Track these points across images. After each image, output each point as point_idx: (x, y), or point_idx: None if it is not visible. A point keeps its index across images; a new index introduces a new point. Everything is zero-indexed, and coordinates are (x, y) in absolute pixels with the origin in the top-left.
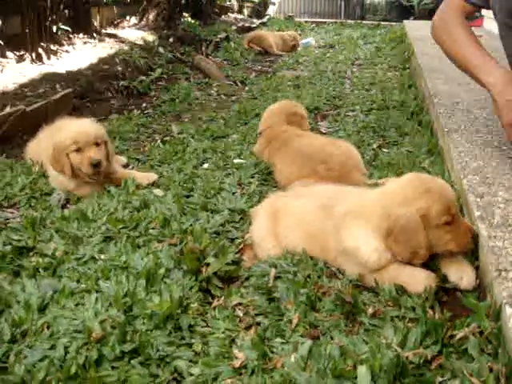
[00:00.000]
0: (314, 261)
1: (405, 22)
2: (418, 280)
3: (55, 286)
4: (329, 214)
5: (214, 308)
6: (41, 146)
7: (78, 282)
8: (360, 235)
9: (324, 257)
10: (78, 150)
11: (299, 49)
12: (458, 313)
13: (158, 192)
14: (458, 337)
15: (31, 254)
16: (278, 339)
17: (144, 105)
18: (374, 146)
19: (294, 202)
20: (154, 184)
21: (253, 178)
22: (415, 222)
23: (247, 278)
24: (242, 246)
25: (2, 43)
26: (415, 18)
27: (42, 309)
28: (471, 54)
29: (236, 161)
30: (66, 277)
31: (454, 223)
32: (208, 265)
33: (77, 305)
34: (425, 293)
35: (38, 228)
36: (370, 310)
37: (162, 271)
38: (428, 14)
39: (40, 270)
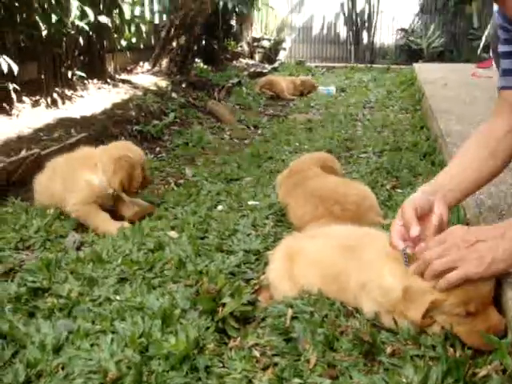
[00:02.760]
0: (331, 301)
1: (414, 64)
2: None
3: (70, 327)
4: (350, 254)
5: (231, 348)
6: (58, 174)
7: (93, 322)
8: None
9: (341, 297)
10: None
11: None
12: (480, 350)
13: (173, 234)
14: (480, 375)
15: (46, 295)
16: (296, 379)
17: (158, 149)
18: (388, 186)
19: (311, 242)
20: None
21: (267, 219)
22: None
23: (263, 319)
24: (257, 287)
25: (19, 88)
26: (424, 61)
27: (57, 349)
28: None
29: (250, 202)
30: (81, 318)
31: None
32: (224, 305)
33: (92, 345)
34: (445, 331)
35: (53, 269)
36: (389, 349)
37: (177, 312)
38: (437, 56)
39: (55, 311)
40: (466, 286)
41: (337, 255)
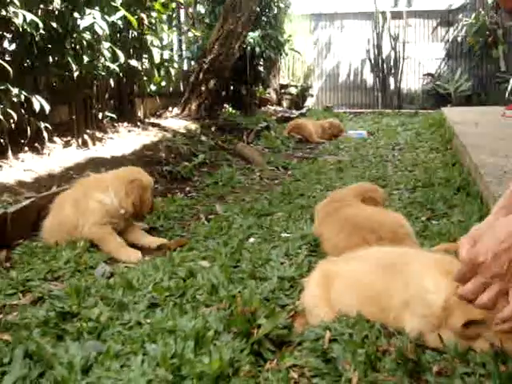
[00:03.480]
0: (371, 323)
1: (443, 108)
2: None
3: (99, 348)
4: (390, 273)
5: (267, 370)
6: (67, 202)
7: (123, 344)
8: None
9: (382, 318)
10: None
11: (339, 137)
12: None
13: (205, 263)
14: None
15: (75, 319)
16: None
17: (187, 188)
18: (423, 218)
19: (347, 265)
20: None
21: (300, 249)
22: None
23: (300, 343)
24: (292, 313)
25: (50, 128)
26: (452, 105)
27: (86, 370)
28: None
29: (283, 234)
30: (110, 340)
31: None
32: (259, 327)
33: (122, 366)
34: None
35: (83, 296)
36: (436, 368)
37: (210, 333)
38: (465, 100)
39: (84, 333)
40: None
41: (375, 275)
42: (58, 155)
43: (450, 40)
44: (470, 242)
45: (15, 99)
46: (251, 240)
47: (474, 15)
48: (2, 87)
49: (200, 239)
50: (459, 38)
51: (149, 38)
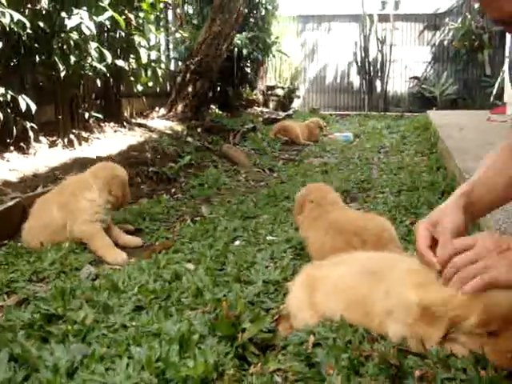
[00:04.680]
0: (354, 327)
1: (428, 112)
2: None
3: (85, 351)
4: (374, 279)
5: (252, 374)
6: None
7: (108, 347)
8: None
9: (366, 323)
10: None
11: (325, 139)
12: None
13: (190, 266)
14: None
15: (60, 322)
16: None
17: (173, 190)
18: (407, 222)
19: (332, 269)
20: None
21: (285, 252)
22: None
23: (284, 347)
24: (277, 316)
25: (36, 127)
26: (437, 109)
27: (71, 373)
28: None
29: (268, 237)
30: (95, 343)
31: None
32: (244, 331)
33: (107, 369)
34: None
35: (68, 298)
36: (418, 373)
37: (195, 337)
38: (450, 104)
39: (69, 336)
40: (489, 300)
41: (360, 280)
42: (44, 155)
43: (437, 44)
44: (428, 226)
45: (1, 98)
46: (236, 243)
47: (460, 19)
48: None
49: (185, 241)
50: (445, 42)
51: (136, 38)
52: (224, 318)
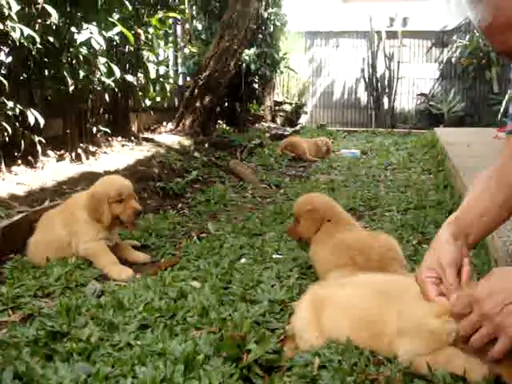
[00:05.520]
0: (360, 350)
1: (435, 129)
2: (476, 366)
3: (89, 370)
4: (385, 300)
5: None
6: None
7: (112, 367)
8: None
9: (374, 344)
10: (121, 201)
11: (332, 155)
12: None
13: (196, 284)
14: None
15: (65, 339)
16: None
17: (180, 205)
18: (414, 242)
19: (339, 290)
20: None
21: (291, 271)
22: None
23: (289, 368)
24: (282, 336)
25: (44, 141)
26: (445, 126)
27: None
28: None
29: (275, 256)
30: (100, 362)
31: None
32: (249, 352)
33: None
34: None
35: (73, 315)
36: None
37: (200, 357)
38: (458, 121)
39: (74, 354)
40: None
41: (369, 302)
42: (51, 169)
43: (444, 61)
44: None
45: (10, 112)
46: (242, 260)
47: (468, 37)
48: None
49: (191, 258)
50: (453, 59)
51: (145, 53)
52: (229, 338)
